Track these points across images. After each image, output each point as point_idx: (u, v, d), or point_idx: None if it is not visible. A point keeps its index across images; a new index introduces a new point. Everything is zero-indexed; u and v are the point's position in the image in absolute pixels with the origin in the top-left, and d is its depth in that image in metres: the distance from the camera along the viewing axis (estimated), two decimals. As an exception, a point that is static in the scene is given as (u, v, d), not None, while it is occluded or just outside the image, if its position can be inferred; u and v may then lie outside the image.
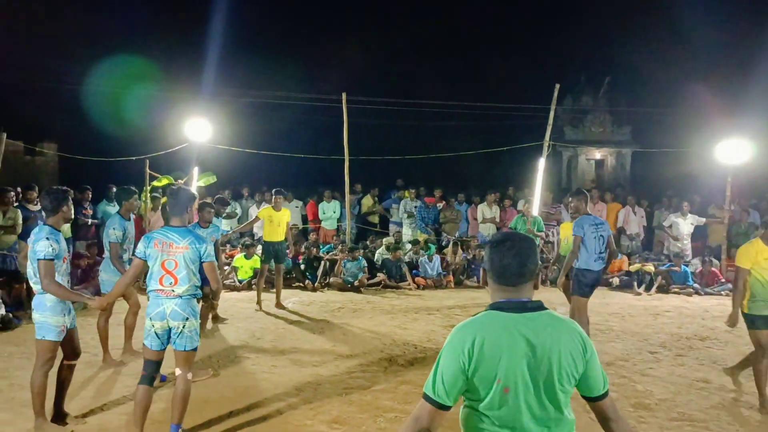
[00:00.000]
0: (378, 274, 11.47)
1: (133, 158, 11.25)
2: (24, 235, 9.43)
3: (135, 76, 17.66)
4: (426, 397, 2.08)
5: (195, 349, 4.31)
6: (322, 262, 11.47)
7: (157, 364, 4.26)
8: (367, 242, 12.75)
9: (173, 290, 4.18)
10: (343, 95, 12.13)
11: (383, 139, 21.19)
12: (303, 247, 11.77)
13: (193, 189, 11.36)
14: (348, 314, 9.06)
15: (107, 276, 6.40)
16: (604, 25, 24.32)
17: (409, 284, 11.30)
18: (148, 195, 11.12)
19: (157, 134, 14.15)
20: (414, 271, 11.63)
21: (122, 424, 4.74)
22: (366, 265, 11.37)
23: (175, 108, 13.47)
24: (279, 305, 9.31)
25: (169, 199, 4.48)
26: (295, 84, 19.43)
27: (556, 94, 11.76)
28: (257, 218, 9.73)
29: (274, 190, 9.39)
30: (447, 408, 2.06)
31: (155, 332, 4.18)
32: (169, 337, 4.24)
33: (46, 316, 4.45)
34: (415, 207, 13.12)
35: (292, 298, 10.18)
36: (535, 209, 11.25)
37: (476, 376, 2.02)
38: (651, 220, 13.67)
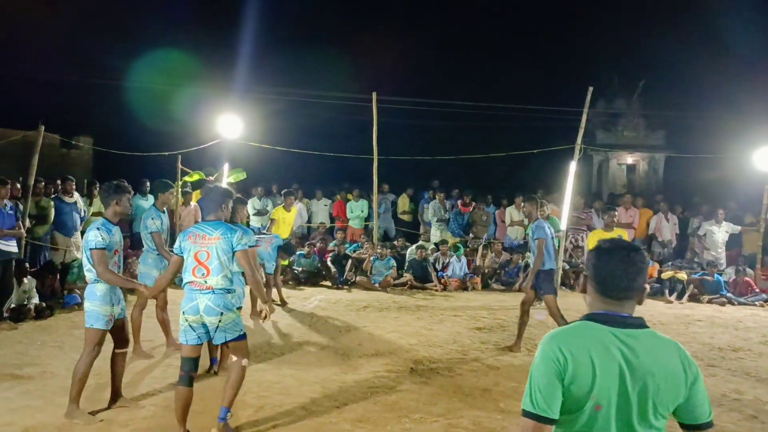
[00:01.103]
0: (404, 274, 11.46)
1: (166, 153, 11.41)
2: (60, 227, 9.67)
3: (169, 72, 17.94)
4: (526, 414, 1.94)
5: (241, 337, 4.32)
6: (350, 261, 11.51)
7: (195, 361, 4.26)
8: (395, 242, 12.74)
9: (205, 281, 4.19)
10: (374, 95, 12.14)
11: (412, 138, 21.19)
12: (330, 245, 11.84)
13: (224, 185, 11.52)
14: (374, 313, 9.06)
15: (145, 269, 6.50)
16: (638, 26, 23.97)
17: (435, 285, 11.26)
18: (179, 190, 11.27)
19: (189, 130, 14.36)
20: (440, 272, 11.59)
21: (150, 414, 4.80)
22: (395, 264, 11.38)
23: (208, 104, 13.66)
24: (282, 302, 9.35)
25: (204, 195, 4.54)
26: (326, 82, 19.53)
27: (588, 97, 11.59)
28: (273, 220, 10.00)
29: (284, 192, 9.70)
30: (551, 422, 1.92)
31: (190, 325, 4.20)
32: (206, 332, 4.26)
33: (96, 305, 4.58)
34: (446, 212, 13.05)
35: (318, 296, 10.22)
36: (566, 213, 11.12)
37: (572, 387, 1.91)
38: (684, 227, 13.41)
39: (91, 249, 4.48)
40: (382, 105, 12.85)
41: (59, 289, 8.67)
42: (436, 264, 11.75)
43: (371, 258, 11.35)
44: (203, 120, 12.56)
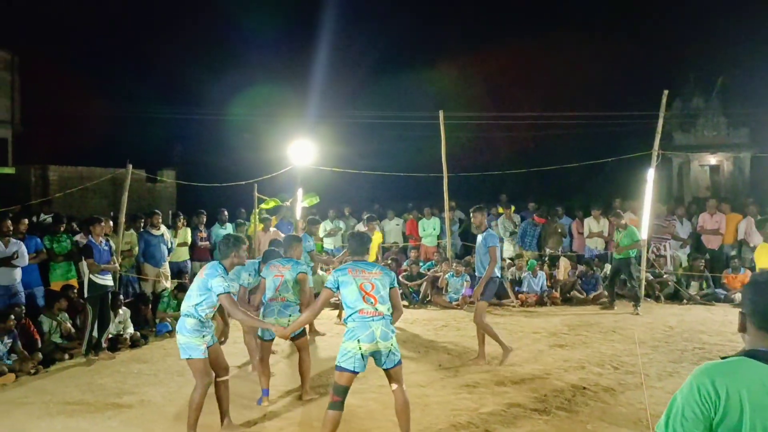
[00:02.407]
0: (480, 291, 11.35)
1: (243, 183, 11.84)
2: (148, 258, 10.21)
3: (244, 105, 18.68)
4: None
5: (400, 362, 4.57)
6: (425, 279, 11.53)
7: (348, 388, 4.47)
8: (470, 259, 12.66)
9: (375, 308, 4.46)
10: (441, 113, 12.19)
11: (480, 152, 21.09)
12: (404, 264, 11.90)
13: (298, 209, 11.86)
14: (452, 332, 9.03)
15: None
16: (713, 21, 22.95)
17: (512, 301, 11.10)
18: (257, 217, 11.65)
19: (264, 158, 14.88)
20: (517, 288, 11.42)
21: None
22: (469, 280, 11.31)
23: (281, 132, 14.10)
24: None
25: (351, 240, 5.04)
26: (392, 104, 19.78)
27: (664, 100, 11.19)
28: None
29: (366, 217, 9.78)
30: None
31: (362, 354, 4.39)
32: (377, 359, 4.49)
33: (187, 336, 4.84)
34: (516, 226, 12.87)
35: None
36: (646, 222, 10.74)
37: (721, 428, 1.83)
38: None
39: (218, 295, 4.74)
40: (450, 122, 12.88)
41: (151, 318, 9.14)
42: (514, 280, 11.59)
43: (446, 275, 11.34)
44: (277, 148, 12.98)
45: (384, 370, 4.55)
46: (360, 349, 4.37)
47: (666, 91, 11.31)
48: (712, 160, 20.49)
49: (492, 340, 7.21)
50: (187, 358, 4.86)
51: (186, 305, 4.90)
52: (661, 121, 11.17)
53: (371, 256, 9.61)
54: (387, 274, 4.63)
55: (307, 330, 8.51)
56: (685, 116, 20.73)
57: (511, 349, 7.20)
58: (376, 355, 4.46)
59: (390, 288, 4.58)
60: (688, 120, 20.81)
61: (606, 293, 10.90)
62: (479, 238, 7.38)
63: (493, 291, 7.35)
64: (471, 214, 8.01)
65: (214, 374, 4.99)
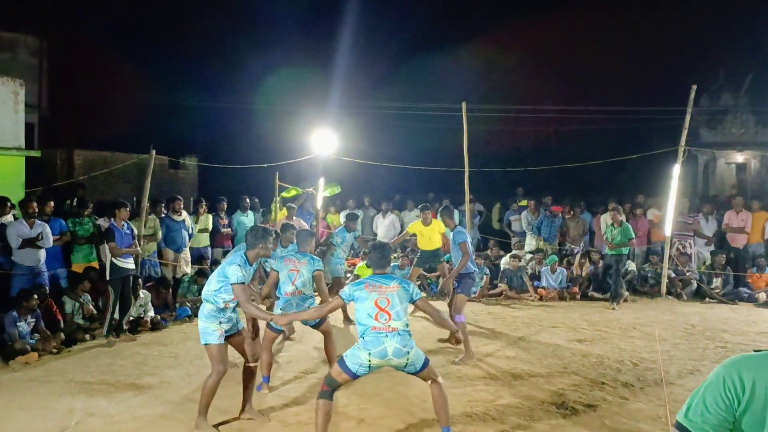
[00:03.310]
0: (499, 285, 11.31)
1: (264, 165, 11.87)
2: (169, 244, 10.31)
3: (267, 93, 18.74)
4: (678, 426, 1.89)
5: (426, 363, 4.51)
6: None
7: (340, 386, 4.51)
8: (489, 252, 12.61)
9: (389, 325, 4.39)
10: (463, 104, 12.10)
11: (503, 145, 20.95)
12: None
13: (320, 199, 11.89)
14: (469, 326, 8.97)
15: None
16: (742, 18, 22.48)
17: (531, 295, 11.03)
18: (278, 204, 11.70)
19: (285, 146, 14.92)
20: (536, 282, 11.34)
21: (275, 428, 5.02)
22: (489, 273, 11.27)
23: (303, 121, 14.13)
24: None
25: (373, 252, 4.87)
26: (415, 95, 19.72)
27: (692, 96, 11.00)
28: (407, 232, 9.88)
29: (421, 206, 9.59)
30: None
31: (369, 365, 4.36)
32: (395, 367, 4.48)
33: (205, 322, 4.88)
34: (536, 218, 12.76)
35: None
36: (670, 219, 10.60)
37: (744, 420, 1.82)
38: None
39: (232, 284, 4.75)
40: (472, 114, 12.78)
41: (171, 302, 9.24)
42: (534, 274, 11.52)
43: (465, 268, 11.28)
44: (299, 137, 13.01)
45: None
46: (369, 362, 4.34)
47: (694, 86, 11.13)
48: (739, 158, 20.13)
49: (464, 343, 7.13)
50: (204, 344, 4.90)
51: (206, 290, 4.94)
52: (688, 117, 10.99)
53: (437, 243, 9.41)
54: (405, 289, 4.53)
55: (342, 317, 8.75)
56: (712, 113, 20.37)
57: (473, 356, 6.96)
58: (394, 366, 4.44)
59: (410, 303, 4.53)
60: (715, 117, 20.45)
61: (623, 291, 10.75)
62: (450, 235, 7.58)
63: (470, 286, 7.42)
64: (439, 216, 8.31)
65: (228, 364, 5.00)
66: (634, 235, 10.61)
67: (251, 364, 5.10)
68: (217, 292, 4.83)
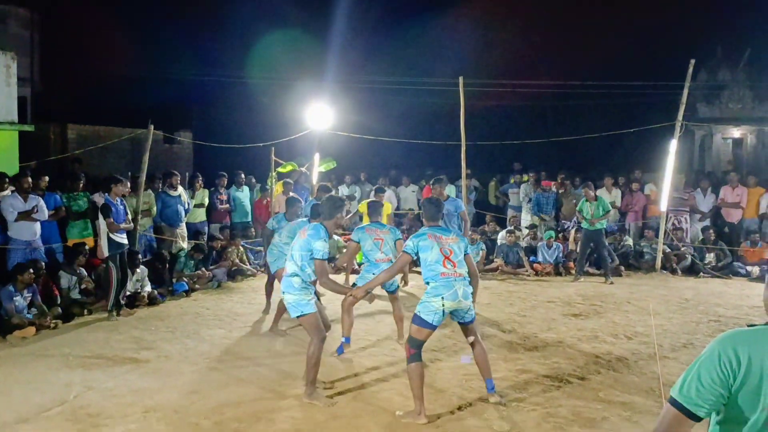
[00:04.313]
0: (495, 260, 11.35)
1: (260, 144, 11.81)
2: (166, 219, 10.28)
3: (262, 67, 18.55)
4: (672, 401, 1.88)
5: (475, 317, 4.90)
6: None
7: (423, 344, 4.70)
8: (485, 227, 12.63)
9: (455, 270, 4.66)
10: (460, 79, 12.00)
11: (500, 121, 20.82)
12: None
13: (315, 174, 11.85)
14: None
15: (272, 259, 7.19)
16: (743, -9, 22.24)
17: (526, 270, 11.08)
18: (274, 180, 11.65)
19: (280, 121, 14.81)
20: (532, 258, 11.38)
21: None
22: (485, 248, 11.30)
23: (299, 96, 14.01)
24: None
25: (427, 205, 5.12)
26: (411, 69, 19.54)
27: (690, 70, 10.93)
28: (358, 210, 10.13)
29: (375, 188, 9.91)
30: (695, 418, 1.85)
31: (443, 311, 4.60)
32: (455, 315, 4.79)
33: (297, 295, 4.93)
34: (535, 193, 12.77)
35: (411, 282, 10.30)
36: (665, 194, 10.61)
37: (740, 394, 1.82)
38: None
39: (316, 258, 4.81)
40: (469, 88, 12.69)
41: (168, 277, 9.24)
42: (529, 249, 11.55)
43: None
44: (295, 111, 12.91)
45: (461, 324, 4.88)
46: (443, 305, 4.57)
47: (693, 61, 11.05)
48: (736, 133, 20.07)
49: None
50: (298, 316, 4.94)
51: (291, 265, 4.96)
52: (686, 92, 10.95)
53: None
54: (462, 240, 4.88)
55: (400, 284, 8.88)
56: (710, 88, 20.26)
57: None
58: (456, 312, 4.73)
59: (465, 254, 4.81)
60: (712, 92, 20.35)
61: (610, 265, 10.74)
62: (446, 206, 7.73)
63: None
64: (432, 187, 8.61)
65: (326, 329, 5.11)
66: (610, 208, 10.71)
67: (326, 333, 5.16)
68: (303, 265, 4.90)
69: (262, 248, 9.71)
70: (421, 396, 4.57)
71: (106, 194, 7.99)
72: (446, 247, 4.72)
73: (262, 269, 10.15)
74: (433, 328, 4.63)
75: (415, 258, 4.82)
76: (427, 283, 4.69)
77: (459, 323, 4.90)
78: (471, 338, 4.91)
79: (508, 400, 4.99)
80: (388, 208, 10.61)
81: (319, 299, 6.75)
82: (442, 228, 4.94)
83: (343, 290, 5.20)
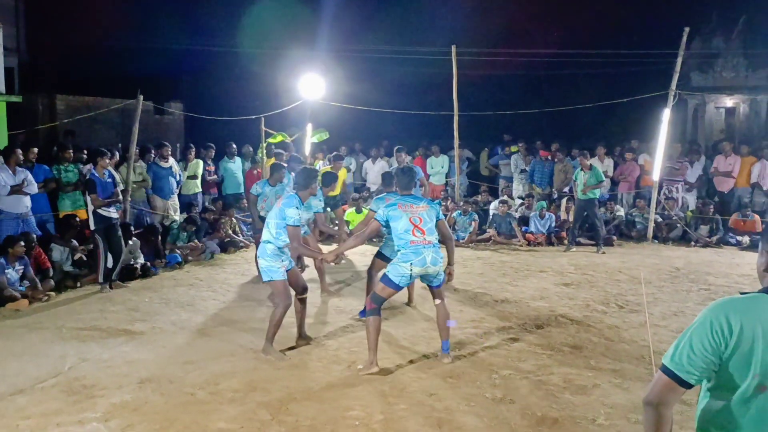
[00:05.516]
0: (487, 230, 11.38)
1: (252, 117, 11.68)
2: (157, 191, 10.21)
3: (252, 36, 18.28)
4: (664, 369, 1.90)
5: (444, 282, 5.15)
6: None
7: (384, 301, 5.02)
8: (478, 197, 12.63)
9: (424, 238, 4.88)
10: (453, 48, 11.87)
11: (493, 90, 20.68)
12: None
13: (307, 145, 11.76)
14: (458, 269, 9.02)
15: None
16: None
17: (519, 240, 11.12)
18: (264, 151, 11.56)
19: (273, 91, 14.64)
20: (525, 228, 11.41)
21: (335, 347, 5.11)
22: (477, 219, 11.31)
23: (291, 65, 13.83)
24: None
25: (400, 175, 5.37)
26: (404, 38, 19.29)
27: (684, 38, 10.84)
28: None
29: (333, 155, 10.68)
30: (686, 385, 1.87)
31: (411, 275, 4.87)
32: (425, 279, 5.04)
33: (268, 260, 5.21)
34: (528, 163, 12.74)
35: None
36: (658, 164, 10.61)
37: (731, 362, 1.83)
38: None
39: (288, 225, 5.05)
40: (462, 57, 12.56)
41: (161, 249, 9.21)
42: (522, 219, 11.57)
43: (454, 214, 11.32)
44: (286, 81, 12.75)
45: (430, 287, 5.14)
46: (411, 270, 4.84)
47: (687, 29, 10.96)
48: (729, 102, 20.02)
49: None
50: (268, 281, 5.25)
51: (266, 233, 5.22)
52: (680, 60, 10.88)
53: (336, 191, 9.56)
54: (433, 208, 5.08)
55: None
56: (703, 57, 20.13)
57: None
58: (425, 276, 4.98)
59: (437, 220, 5.04)
60: (706, 60, 20.23)
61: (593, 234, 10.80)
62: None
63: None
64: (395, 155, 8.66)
65: (293, 294, 5.40)
66: (604, 178, 10.69)
67: (303, 296, 5.53)
68: (278, 233, 5.14)
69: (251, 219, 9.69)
70: (375, 348, 4.90)
71: (93, 169, 7.78)
72: (416, 215, 4.93)
73: (254, 240, 10.15)
74: (398, 288, 4.94)
75: (383, 225, 5.08)
76: (398, 250, 4.94)
77: (428, 286, 5.17)
78: (437, 301, 5.15)
79: (499, 368, 5.05)
80: (344, 174, 10.92)
81: (303, 269, 6.99)
82: (413, 197, 5.14)
83: (315, 254, 5.57)
